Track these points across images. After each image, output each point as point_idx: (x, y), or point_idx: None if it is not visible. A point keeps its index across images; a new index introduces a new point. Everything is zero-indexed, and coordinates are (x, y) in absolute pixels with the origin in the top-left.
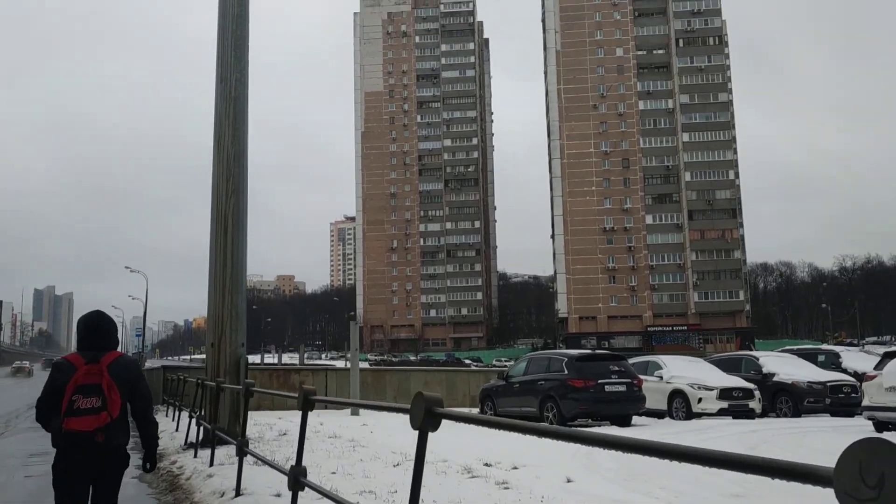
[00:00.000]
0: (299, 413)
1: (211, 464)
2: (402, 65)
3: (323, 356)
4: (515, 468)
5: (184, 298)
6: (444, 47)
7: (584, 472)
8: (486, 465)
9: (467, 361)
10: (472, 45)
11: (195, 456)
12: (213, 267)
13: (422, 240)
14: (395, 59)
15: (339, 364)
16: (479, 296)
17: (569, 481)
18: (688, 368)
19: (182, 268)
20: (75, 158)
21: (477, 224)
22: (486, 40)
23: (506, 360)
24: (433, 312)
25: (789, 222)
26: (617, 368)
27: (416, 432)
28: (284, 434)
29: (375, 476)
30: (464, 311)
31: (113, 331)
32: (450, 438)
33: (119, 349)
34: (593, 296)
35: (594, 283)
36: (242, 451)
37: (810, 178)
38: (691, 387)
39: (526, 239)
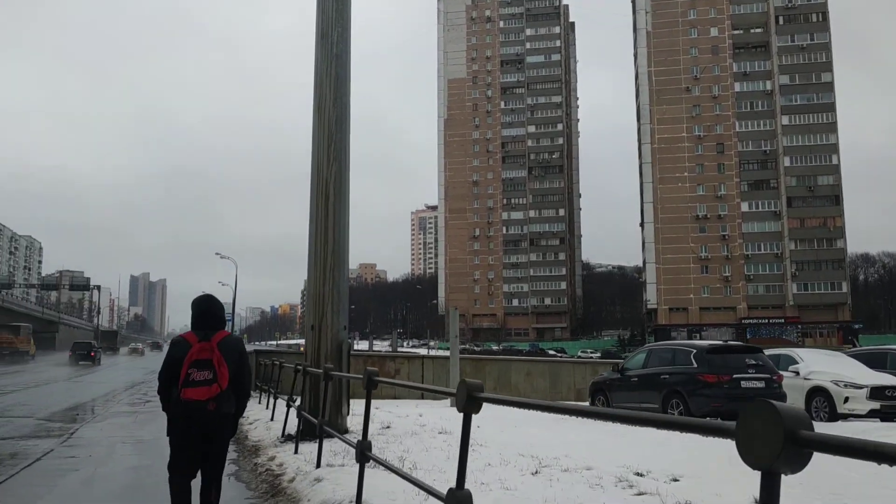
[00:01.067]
0: (398, 402)
1: (318, 464)
2: (485, 50)
3: (404, 344)
4: (675, 480)
5: (269, 286)
6: (528, 32)
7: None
8: (638, 474)
9: (551, 352)
10: (557, 30)
11: (296, 451)
12: (314, 242)
13: (504, 228)
14: (479, 44)
15: (422, 352)
16: (563, 285)
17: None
18: (828, 363)
19: (268, 256)
20: (163, 151)
21: (561, 212)
22: (572, 24)
23: (591, 352)
24: (515, 302)
25: (891, 211)
26: (754, 362)
27: (462, 414)
28: (388, 427)
29: (518, 488)
30: (547, 301)
31: (221, 313)
32: (570, 437)
33: (227, 330)
34: (684, 286)
35: (685, 273)
36: (364, 456)
37: None
38: (836, 384)
39: (611, 228)
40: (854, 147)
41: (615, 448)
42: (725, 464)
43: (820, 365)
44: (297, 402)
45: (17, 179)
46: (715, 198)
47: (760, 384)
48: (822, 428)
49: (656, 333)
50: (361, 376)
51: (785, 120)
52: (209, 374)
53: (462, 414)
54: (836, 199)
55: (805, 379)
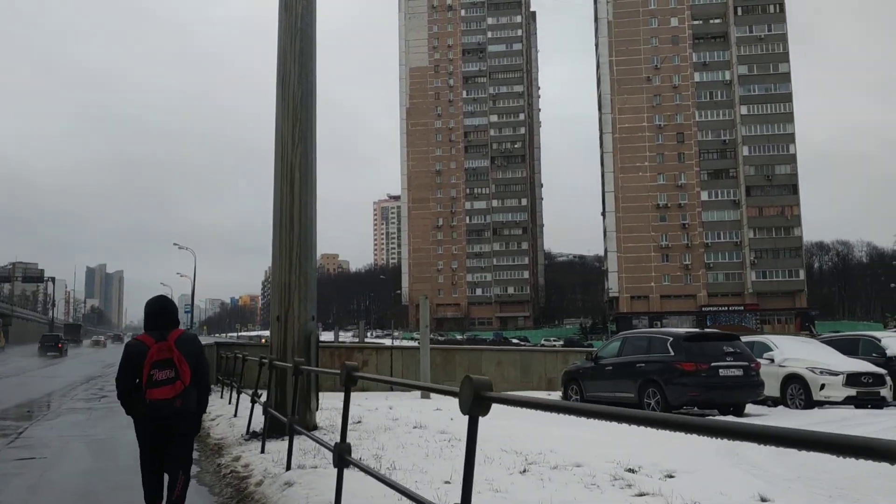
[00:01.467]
0: (367, 395)
1: (288, 466)
2: (447, 39)
3: (368, 334)
4: (671, 476)
5: (230, 277)
6: (490, 21)
7: (765, 484)
8: (630, 470)
9: (514, 341)
10: (519, 19)
11: (262, 451)
12: (279, 228)
13: (467, 217)
14: (441, 33)
15: (387, 342)
16: (526, 274)
17: (764, 500)
18: (803, 350)
19: (227, 246)
20: (113, 138)
21: (524, 201)
22: (533, 13)
23: (554, 340)
24: (479, 291)
25: (841, 201)
26: (731, 350)
27: (467, 417)
28: (359, 422)
29: (509, 489)
30: (510, 290)
31: (175, 312)
32: (551, 430)
33: (182, 328)
34: (645, 275)
35: (646, 262)
36: (343, 460)
37: (851, 153)
38: (812, 371)
39: (571, 217)
40: (804, 138)
41: (599, 441)
42: (714, 455)
43: (795, 352)
44: (263, 398)
45: None
46: (675, 187)
47: (738, 372)
48: (798, 416)
49: (618, 321)
50: (334, 371)
51: (744, 110)
52: (171, 372)
53: (467, 417)
54: (794, 188)
55: (780, 366)
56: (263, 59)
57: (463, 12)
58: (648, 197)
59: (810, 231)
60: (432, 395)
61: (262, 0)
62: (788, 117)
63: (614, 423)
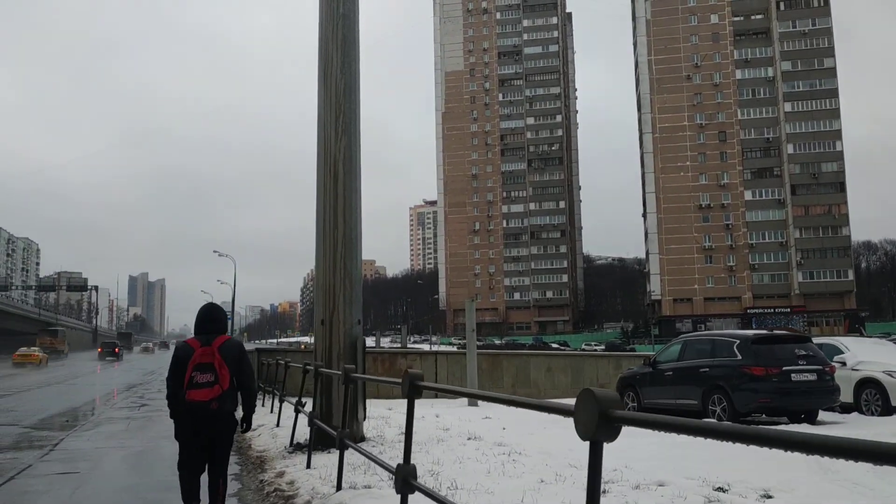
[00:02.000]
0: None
1: (338, 486)
2: (482, 42)
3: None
4: (768, 496)
5: (269, 284)
6: (525, 23)
7: None
8: (720, 489)
9: (554, 345)
10: (554, 20)
11: (308, 466)
12: (322, 227)
13: (505, 221)
14: (476, 36)
15: (425, 347)
16: (565, 278)
17: None
18: (877, 353)
19: (266, 253)
20: (151, 149)
21: (561, 204)
22: (569, 14)
23: (595, 345)
24: (517, 295)
25: (890, 199)
26: (804, 353)
27: (588, 443)
28: None
29: None
30: (549, 294)
31: (223, 318)
32: (619, 443)
33: (228, 334)
34: (688, 277)
35: (689, 264)
36: (408, 485)
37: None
38: (890, 375)
39: (610, 220)
40: (852, 135)
41: (673, 453)
42: (805, 470)
43: (869, 354)
44: (307, 407)
45: (10, 180)
46: (718, 186)
47: (812, 377)
48: (878, 424)
49: (660, 325)
50: (394, 380)
51: (787, 107)
52: (211, 376)
53: (589, 443)
54: (841, 185)
55: (853, 370)
56: (293, 70)
57: (498, 15)
58: (690, 197)
59: (857, 230)
60: (480, 402)
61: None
62: (834, 113)
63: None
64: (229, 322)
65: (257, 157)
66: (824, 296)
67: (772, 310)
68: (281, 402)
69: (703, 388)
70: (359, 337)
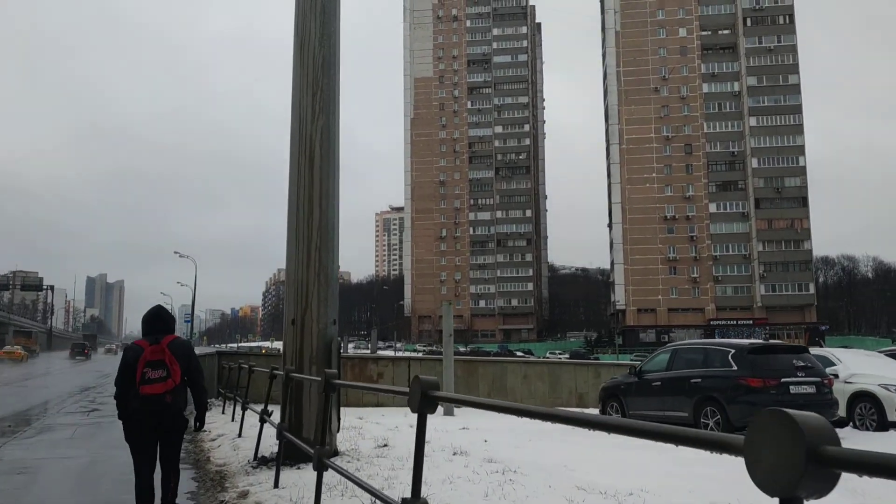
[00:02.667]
0: (383, 411)
1: None
2: (452, 50)
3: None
4: None
5: (231, 288)
6: (495, 31)
7: None
8: None
9: (519, 354)
10: (524, 30)
11: (276, 485)
12: (295, 214)
13: (471, 229)
14: (446, 44)
15: (389, 353)
16: (530, 286)
17: None
18: (872, 365)
19: (227, 258)
20: (109, 150)
21: (528, 213)
22: (539, 25)
23: (559, 353)
24: (482, 303)
25: (843, 215)
26: (802, 364)
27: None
28: (385, 445)
29: None
30: (514, 302)
31: (170, 320)
32: (604, 455)
33: (176, 334)
34: (652, 287)
35: (654, 275)
36: None
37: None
38: (885, 388)
39: (573, 230)
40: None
41: (676, 472)
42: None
43: (862, 367)
44: (274, 416)
45: None
46: (683, 199)
47: (811, 389)
48: (876, 439)
49: (624, 335)
50: (400, 389)
51: (752, 121)
52: (163, 372)
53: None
54: (803, 200)
55: (846, 382)
56: (250, 74)
57: (468, 23)
58: (656, 209)
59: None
60: (455, 409)
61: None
62: (798, 129)
63: (667, 448)
64: (188, 325)
65: (215, 159)
66: (786, 309)
67: (735, 322)
68: (244, 409)
69: (694, 400)
70: (333, 339)
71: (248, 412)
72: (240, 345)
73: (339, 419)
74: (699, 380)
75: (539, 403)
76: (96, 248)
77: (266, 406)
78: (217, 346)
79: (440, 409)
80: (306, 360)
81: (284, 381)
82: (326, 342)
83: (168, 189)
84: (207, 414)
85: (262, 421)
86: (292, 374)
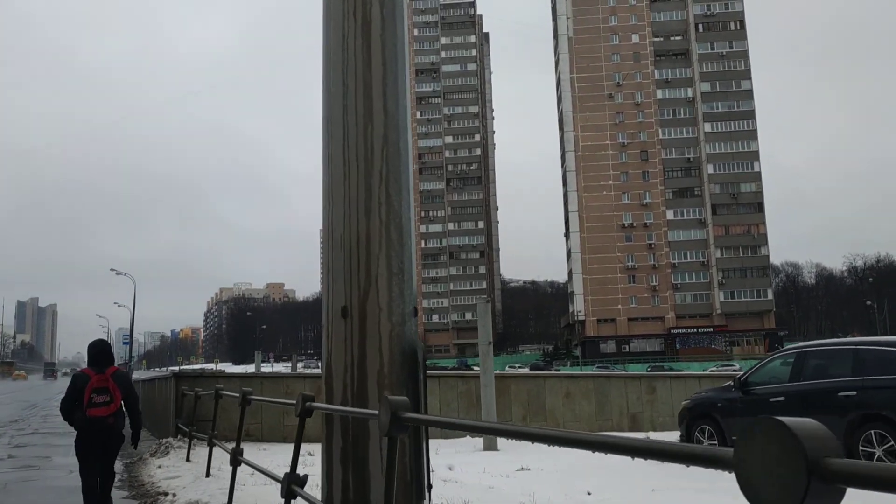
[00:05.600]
0: (436, 445)
1: None
2: None
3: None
4: None
5: (169, 310)
6: (443, 40)
7: None
8: None
9: (475, 368)
10: (472, 38)
11: None
12: (340, 123)
13: (423, 241)
14: None
15: None
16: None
17: None
18: None
19: (163, 279)
20: (25, 168)
21: (480, 224)
22: (486, 34)
23: (518, 366)
24: (435, 317)
25: (789, 223)
26: None
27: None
28: None
29: None
30: (468, 316)
31: (111, 352)
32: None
33: (116, 365)
34: (612, 297)
35: (612, 283)
36: None
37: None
38: None
39: (521, 243)
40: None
41: None
42: None
43: None
44: (300, 478)
45: None
46: (640, 206)
47: None
48: None
49: (584, 346)
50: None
51: (707, 127)
52: (107, 397)
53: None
54: (759, 206)
55: None
56: (157, 93)
57: (416, 31)
58: (613, 216)
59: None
60: (500, 444)
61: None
62: (752, 134)
63: None
64: (126, 347)
65: (141, 181)
66: (745, 315)
67: (695, 329)
68: (236, 462)
69: (848, 419)
70: (416, 341)
71: (216, 450)
72: (181, 368)
73: (430, 483)
74: (853, 392)
75: (585, 427)
76: (25, 272)
77: (295, 464)
78: (156, 369)
79: (478, 442)
80: (371, 378)
81: (325, 421)
82: (406, 347)
83: (92, 210)
84: (164, 462)
85: (291, 490)
86: (345, 410)
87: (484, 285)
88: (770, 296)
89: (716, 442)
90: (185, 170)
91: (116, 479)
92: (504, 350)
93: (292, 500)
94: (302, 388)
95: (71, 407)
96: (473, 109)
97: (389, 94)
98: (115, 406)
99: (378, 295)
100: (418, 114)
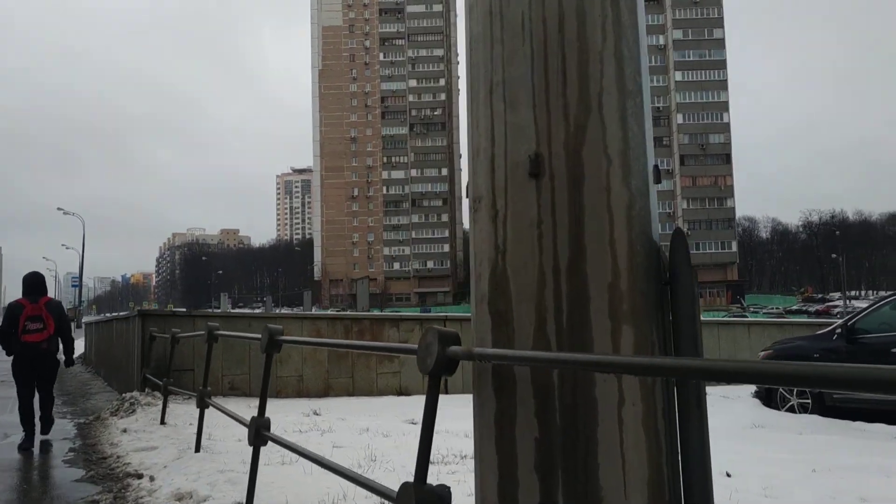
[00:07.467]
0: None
1: None
2: None
3: (277, 311)
4: None
5: (118, 255)
6: None
7: None
8: None
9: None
10: None
11: None
12: None
13: (385, 188)
14: None
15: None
16: (446, 248)
17: None
18: None
19: (113, 224)
20: None
21: (444, 171)
22: None
23: None
24: (397, 265)
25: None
26: None
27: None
28: None
29: None
30: (429, 265)
31: (44, 283)
32: None
33: (49, 295)
34: None
35: None
36: None
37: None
38: None
39: None
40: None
41: None
42: None
43: None
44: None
45: None
46: None
47: None
48: None
49: None
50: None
51: (678, 76)
52: (40, 325)
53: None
54: (727, 157)
55: None
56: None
57: None
58: None
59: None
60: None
61: None
62: (722, 85)
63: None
64: (76, 290)
65: (68, 127)
66: (709, 267)
67: None
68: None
69: None
70: (657, 234)
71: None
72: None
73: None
74: None
75: None
76: None
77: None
78: (107, 315)
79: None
80: (596, 298)
81: (493, 380)
82: (650, 239)
83: (32, 151)
84: (130, 425)
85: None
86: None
87: (446, 234)
88: (734, 248)
89: (808, 401)
90: (115, 118)
91: (67, 450)
92: (466, 300)
93: None
94: (334, 330)
95: (7, 334)
96: (438, 53)
97: None
98: (49, 332)
99: (605, 133)
100: (381, 56)
